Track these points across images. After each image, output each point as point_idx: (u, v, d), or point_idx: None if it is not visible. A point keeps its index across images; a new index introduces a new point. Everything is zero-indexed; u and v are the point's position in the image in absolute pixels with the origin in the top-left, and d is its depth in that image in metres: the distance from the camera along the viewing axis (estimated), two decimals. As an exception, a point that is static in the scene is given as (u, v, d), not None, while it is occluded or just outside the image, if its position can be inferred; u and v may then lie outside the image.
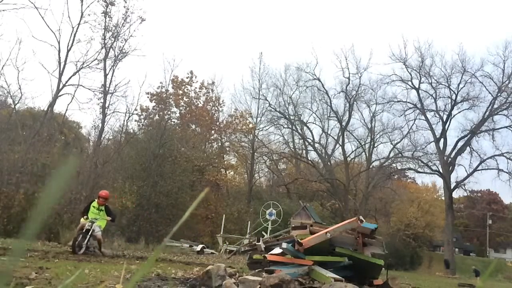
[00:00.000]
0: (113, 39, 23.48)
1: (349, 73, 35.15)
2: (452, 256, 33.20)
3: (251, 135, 35.26)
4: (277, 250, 5.50)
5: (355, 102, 35.52)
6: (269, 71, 47.75)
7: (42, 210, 0.45)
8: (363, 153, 37.28)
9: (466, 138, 33.82)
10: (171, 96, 33.03)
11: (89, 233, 9.17)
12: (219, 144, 35.78)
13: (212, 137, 35.42)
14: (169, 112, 31.87)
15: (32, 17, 61.37)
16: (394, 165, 37.88)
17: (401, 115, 35.35)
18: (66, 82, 21.52)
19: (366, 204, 36.64)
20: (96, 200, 10.06)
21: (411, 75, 35.09)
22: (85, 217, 9.66)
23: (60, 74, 21.09)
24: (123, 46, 23.74)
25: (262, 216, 23.65)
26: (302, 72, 35.70)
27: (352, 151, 37.32)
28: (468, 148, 33.80)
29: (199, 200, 0.61)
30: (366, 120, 36.50)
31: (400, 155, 35.56)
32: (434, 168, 34.30)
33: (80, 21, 21.76)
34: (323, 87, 35.70)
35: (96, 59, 22.49)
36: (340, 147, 36.81)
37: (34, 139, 19.05)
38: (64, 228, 14.82)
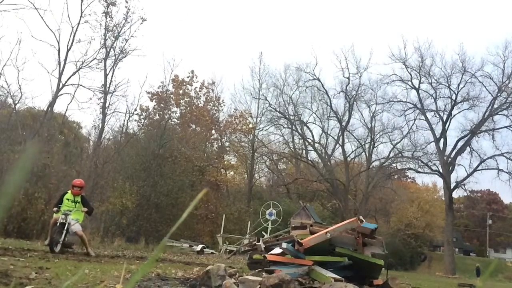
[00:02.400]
0: (113, 39, 23.48)
1: (349, 73, 35.19)
2: (452, 256, 33.21)
3: (251, 135, 35.27)
4: (277, 250, 5.50)
5: (355, 102, 35.56)
6: (269, 71, 47.75)
7: (6, 199, 0.43)
8: (363, 153, 37.32)
9: (466, 138, 33.84)
10: (171, 96, 33.03)
11: (65, 228, 8.11)
12: (219, 144, 35.79)
13: (212, 137, 35.43)
14: (169, 112, 31.89)
15: (32, 17, 61.34)
16: (394, 165, 37.92)
17: (401, 115, 35.41)
18: (66, 82, 21.53)
19: (366, 204, 36.64)
20: (69, 191, 8.83)
21: (411, 75, 35.14)
22: (55, 209, 8.53)
23: (60, 74, 21.09)
24: (124, 46, 23.75)
25: (262, 216, 23.65)
26: (302, 72, 35.75)
27: (352, 151, 37.38)
28: (468, 148, 33.83)
29: (197, 201, 0.61)
30: (366, 120, 36.56)
31: (400, 155, 35.57)
32: (434, 168, 34.33)
33: (79, 20, 21.78)
34: (323, 87, 35.74)
35: (95, 58, 22.49)
36: (340, 147, 36.87)
37: (34, 139, 19.06)
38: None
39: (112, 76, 23.43)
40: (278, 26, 75.02)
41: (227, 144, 35.92)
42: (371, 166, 35.97)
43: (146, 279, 4.69)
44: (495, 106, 33.05)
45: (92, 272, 4.96)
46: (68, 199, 8.67)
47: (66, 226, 8.14)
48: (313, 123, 37.93)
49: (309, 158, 38.17)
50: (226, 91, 50.91)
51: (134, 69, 61.13)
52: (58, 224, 8.13)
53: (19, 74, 20.54)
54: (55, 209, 8.57)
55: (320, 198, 38.99)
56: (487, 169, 33.41)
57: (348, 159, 36.44)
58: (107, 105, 23.12)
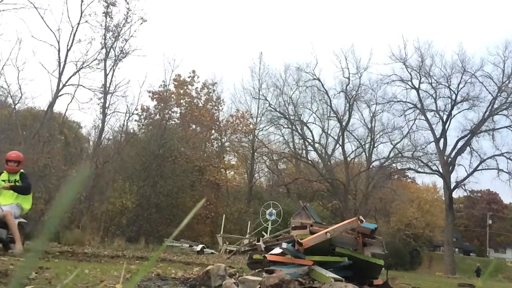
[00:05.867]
0: (113, 39, 23.46)
1: (349, 73, 35.19)
2: (452, 256, 33.22)
3: (251, 135, 35.28)
4: (277, 250, 5.49)
5: (355, 102, 35.56)
6: (269, 71, 47.57)
7: (56, 215, 0.45)
8: (363, 153, 37.33)
9: (466, 138, 33.85)
10: (172, 96, 33.02)
11: None
12: (219, 144, 35.79)
13: (212, 137, 35.43)
14: (169, 112, 31.88)
15: (31, 16, 61.24)
16: (394, 165, 37.93)
17: (401, 115, 35.41)
18: (66, 82, 21.51)
19: (366, 204, 36.64)
20: (5, 170, 6.77)
21: (411, 75, 35.14)
22: None
23: (60, 74, 21.07)
24: (124, 46, 23.73)
25: (262, 216, 23.65)
26: (302, 72, 35.75)
27: (352, 151, 37.39)
28: (468, 148, 33.83)
29: (198, 208, 0.61)
30: (366, 120, 36.57)
31: (400, 155, 35.58)
32: (434, 168, 34.35)
33: (79, 20, 21.72)
34: (323, 87, 35.75)
35: (96, 59, 22.46)
36: (340, 147, 36.89)
37: (34, 139, 19.06)
38: (64, 228, 14.83)
39: (112, 76, 23.43)
40: (278, 26, 75.00)
41: (227, 144, 35.94)
42: (371, 166, 35.97)
43: (146, 279, 4.69)
44: (495, 106, 33.07)
45: (92, 272, 4.95)
46: (3, 181, 6.70)
47: None
48: (313, 123, 38.00)
49: (309, 158, 38.22)
50: (226, 91, 50.90)
51: (134, 69, 61.03)
52: None
53: (19, 74, 20.47)
54: None
55: (320, 198, 39.00)
56: (487, 169, 33.45)
57: (348, 159, 36.45)
58: (107, 105, 23.11)
